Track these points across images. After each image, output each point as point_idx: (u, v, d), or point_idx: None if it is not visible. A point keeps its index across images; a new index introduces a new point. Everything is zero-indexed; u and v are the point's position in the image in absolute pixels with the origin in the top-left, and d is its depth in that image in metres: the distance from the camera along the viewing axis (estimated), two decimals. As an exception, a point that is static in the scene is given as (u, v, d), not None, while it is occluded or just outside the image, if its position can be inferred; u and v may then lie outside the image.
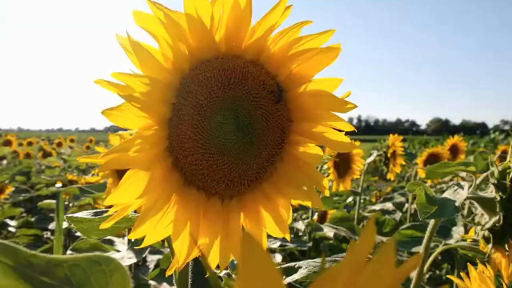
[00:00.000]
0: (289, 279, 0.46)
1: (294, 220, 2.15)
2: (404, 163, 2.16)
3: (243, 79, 0.37)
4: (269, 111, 0.39)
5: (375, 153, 2.13)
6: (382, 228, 2.19)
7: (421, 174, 2.43)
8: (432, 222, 0.76)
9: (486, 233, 0.71)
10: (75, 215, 0.46)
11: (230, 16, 0.36)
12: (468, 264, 0.55)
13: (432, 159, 2.50)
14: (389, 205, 2.08)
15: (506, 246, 0.68)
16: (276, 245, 1.49)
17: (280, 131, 0.40)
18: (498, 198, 0.68)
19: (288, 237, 0.41)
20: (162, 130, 0.36)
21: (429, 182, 2.44)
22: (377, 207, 2.16)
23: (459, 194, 0.70)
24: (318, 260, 0.52)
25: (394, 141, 2.13)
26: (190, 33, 0.35)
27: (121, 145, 0.32)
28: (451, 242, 0.95)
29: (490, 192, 0.73)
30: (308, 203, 0.42)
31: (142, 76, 0.32)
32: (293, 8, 0.36)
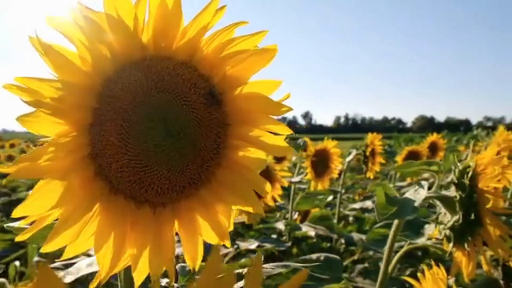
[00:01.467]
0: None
1: (276, 220, 2.15)
2: (383, 161, 2.16)
3: (173, 82, 0.36)
4: (202, 115, 0.37)
5: (354, 152, 2.13)
6: (362, 226, 2.20)
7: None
8: (396, 222, 0.76)
9: (448, 232, 0.71)
10: (12, 224, 0.45)
11: (157, 17, 0.34)
12: (423, 264, 0.54)
13: (412, 157, 2.52)
14: (368, 203, 2.09)
15: (465, 245, 0.68)
16: (253, 246, 1.48)
17: (215, 135, 0.38)
18: (458, 197, 0.68)
19: (228, 244, 0.40)
20: (82, 136, 0.34)
21: (408, 180, 2.46)
22: (357, 205, 2.17)
23: (419, 194, 0.70)
24: (268, 266, 0.51)
25: (373, 139, 2.14)
26: (112, 34, 0.33)
27: (32, 153, 0.30)
28: (422, 240, 0.95)
29: (452, 191, 0.73)
30: (249, 209, 0.40)
31: (53, 80, 0.31)
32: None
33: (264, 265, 0.51)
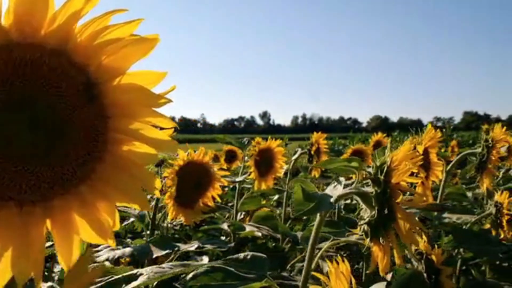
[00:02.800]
0: (129, 286, 0.43)
1: (224, 221, 2.13)
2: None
3: (39, 71, 0.33)
4: (76, 107, 0.35)
5: (299, 151, 2.16)
6: (308, 223, 2.23)
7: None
8: (318, 218, 0.76)
9: (366, 227, 0.72)
10: None
11: (17, 0, 0.32)
12: (327, 259, 0.54)
13: (357, 155, 2.59)
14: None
15: (380, 239, 0.69)
16: (193, 247, 1.45)
17: (92, 129, 0.36)
18: (374, 193, 0.69)
19: (111, 243, 0.37)
20: None
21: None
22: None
23: (336, 190, 0.70)
24: (166, 265, 0.49)
25: (318, 138, 2.17)
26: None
27: None
28: (345, 237, 0.97)
29: (370, 187, 0.75)
30: (135, 206, 0.38)
31: None
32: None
33: (162, 265, 0.49)
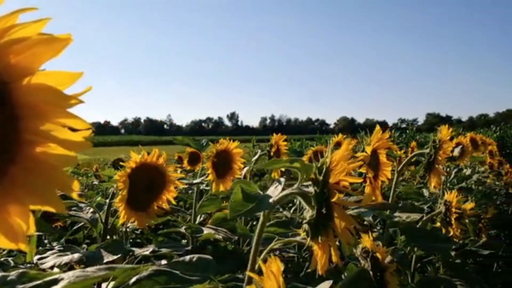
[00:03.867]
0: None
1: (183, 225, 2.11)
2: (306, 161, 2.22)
3: None
4: (-20, 108, 0.34)
5: (259, 152, 2.17)
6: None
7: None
8: (261, 219, 0.77)
9: (307, 226, 0.73)
10: None
11: None
12: (260, 260, 0.55)
13: (318, 156, 2.63)
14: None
15: (319, 238, 0.70)
16: (148, 251, 1.43)
17: (1, 130, 0.35)
18: (313, 193, 0.71)
19: (23, 247, 0.36)
20: None
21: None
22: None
23: (277, 190, 0.71)
24: (90, 269, 0.48)
25: (277, 140, 2.20)
26: None
27: None
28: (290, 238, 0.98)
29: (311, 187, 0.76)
30: (50, 209, 0.37)
31: None
32: None
33: (86, 269, 0.48)
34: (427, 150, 1.45)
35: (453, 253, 2.36)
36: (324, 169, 0.70)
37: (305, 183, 0.79)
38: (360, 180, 0.80)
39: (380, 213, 1.54)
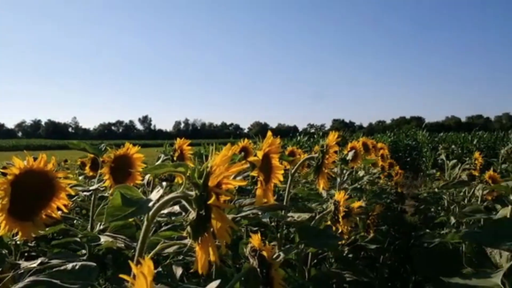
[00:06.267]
0: None
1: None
2: (192, 165, 2.24)
3: None
4: None
5: (162, 156, 2.15)
6: (176, 230, 2.23)
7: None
8: (145, 223, 0.78)
9: (189, 228, 0.76)
10: None
11: None
12: (130, 261, 0.57)
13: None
14: (176, 208, 2.13)
15: (200, 239, 0.74)
16: (35, 264, 1.35)
17: None
18: (194, 196, 0.74)
19: None
20: None
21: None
22: (166, 211, 2.19)
23: (158, 194, 0.74)
24: None
25: (181, 144, 2.20)
26: None
27: None
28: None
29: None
30: None
31: None
32: None
33: None
34: (316, 155, 1.57)
35: (346, 249, 2.59)
36: (205, 173, 0.74)
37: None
38: (244, 183, 0.85)
39: (275, 214, 1.63)
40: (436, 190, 4.40)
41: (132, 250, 1.92)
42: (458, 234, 2.04)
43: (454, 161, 3.87)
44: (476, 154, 3.49)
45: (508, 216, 1.71)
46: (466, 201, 3.04)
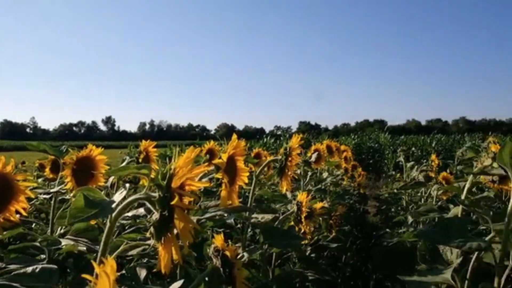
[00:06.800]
0: None
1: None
2: (157, 167, 2.23)
3: None
4: None
5: (127, 158, 2.14)
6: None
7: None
8: (108, 225, 0.79)
9: (152, 229, 0.77)
10: None
11: None
12: (92, 261, 0.58)
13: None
14: (141, 210, 2.11)
15: (162, 239, 0.76)
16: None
17: None
18: (157, 197, 0.75)
19: None
20: None
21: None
22: (130, 213, 2.17)
23: (121, 196, 0.75)
24: None
25: (147, 146, 2.20)
26: None
27: None
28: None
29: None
30: None
31: None
32: None
33: None
34: (280, 157, 1.61)
35: (309, 249, 2.65)
36: (168, 174, 0.75)
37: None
38: (207, 184, 0.87)
39: (239, 215, 1.66)
40: (395, 191, 4.57)
41: (95, 254, 1.89)
42: (414, 233, 2.14)
43: (412, 162, 4.04)
44: (433, 156, 3.65)
45: (459, 215, 1.82)
46: (423, 201, 3.19)
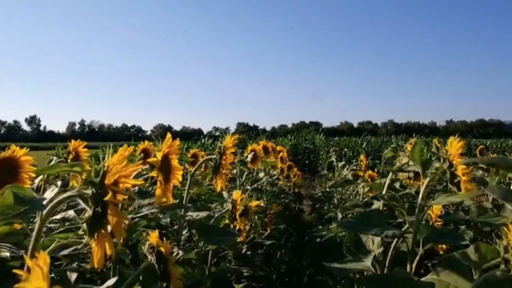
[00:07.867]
0: None
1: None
2: (89, 168, 2.17)
3: None
4: None
5: (55, 159, 2.05)
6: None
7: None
8: (38, 223, 0.78)
9: (85, 226, 0.78)
10: None
11: None
12: (24, 255, 0.58)
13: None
14: (70, 212, 2.04)
15: (95, 235, 0.77)
16: None
17: None
18: (90, 194, 0.76)
19: None
20: None
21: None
22: (58, 216, 2.09)
23: (53, 193, 0.75)
24: None
25: (76, 147, 2.12)
26: None
27: None
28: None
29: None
30: None
31: None
32: None
33: None
34: (214, 156, 1.65)
35: (244, 247, 2.72)
36: (102, 171, 0.76)
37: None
38: (142, 182, 0.89)
39: (174, 214, 1.67)
40: (328, 189, 4.79)
41: (19, 260, 1.79)
42: (340, 226, 2.29)
43: (343, 162, 4.28)
44: (362, 156, 3.89)
45: (380, 209, 1.98)
46: (352, 198, 3.39)
